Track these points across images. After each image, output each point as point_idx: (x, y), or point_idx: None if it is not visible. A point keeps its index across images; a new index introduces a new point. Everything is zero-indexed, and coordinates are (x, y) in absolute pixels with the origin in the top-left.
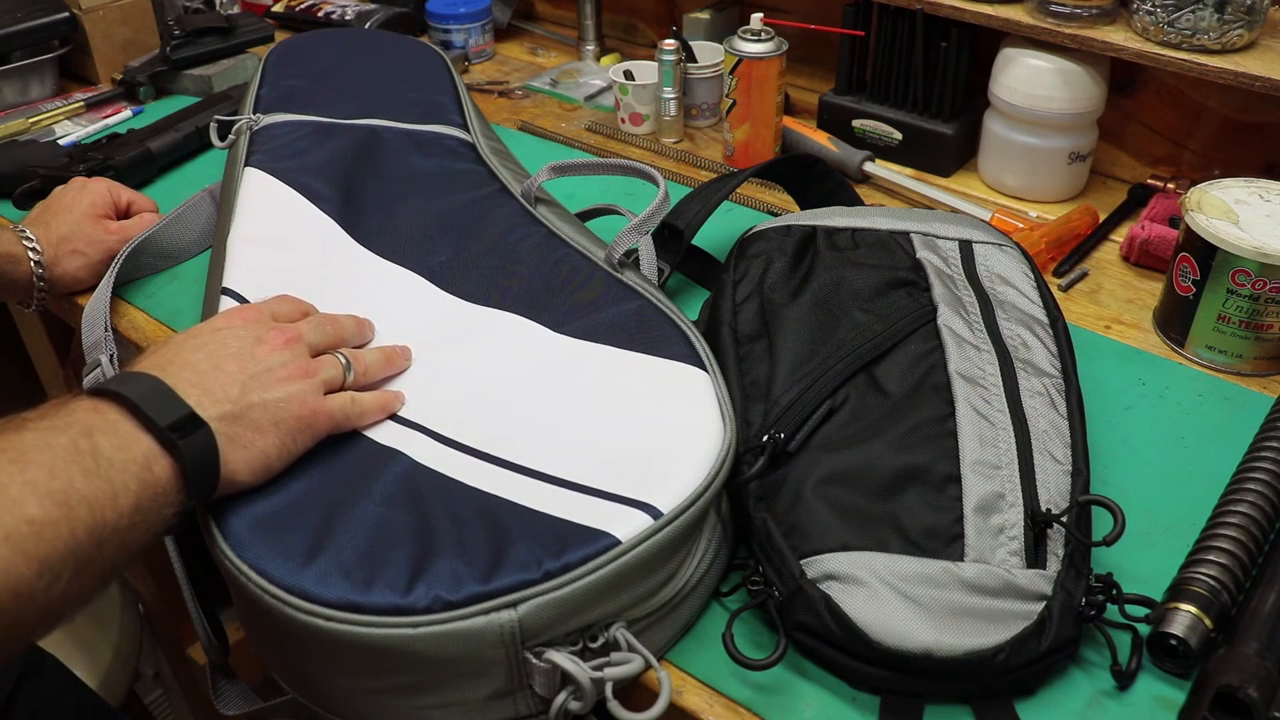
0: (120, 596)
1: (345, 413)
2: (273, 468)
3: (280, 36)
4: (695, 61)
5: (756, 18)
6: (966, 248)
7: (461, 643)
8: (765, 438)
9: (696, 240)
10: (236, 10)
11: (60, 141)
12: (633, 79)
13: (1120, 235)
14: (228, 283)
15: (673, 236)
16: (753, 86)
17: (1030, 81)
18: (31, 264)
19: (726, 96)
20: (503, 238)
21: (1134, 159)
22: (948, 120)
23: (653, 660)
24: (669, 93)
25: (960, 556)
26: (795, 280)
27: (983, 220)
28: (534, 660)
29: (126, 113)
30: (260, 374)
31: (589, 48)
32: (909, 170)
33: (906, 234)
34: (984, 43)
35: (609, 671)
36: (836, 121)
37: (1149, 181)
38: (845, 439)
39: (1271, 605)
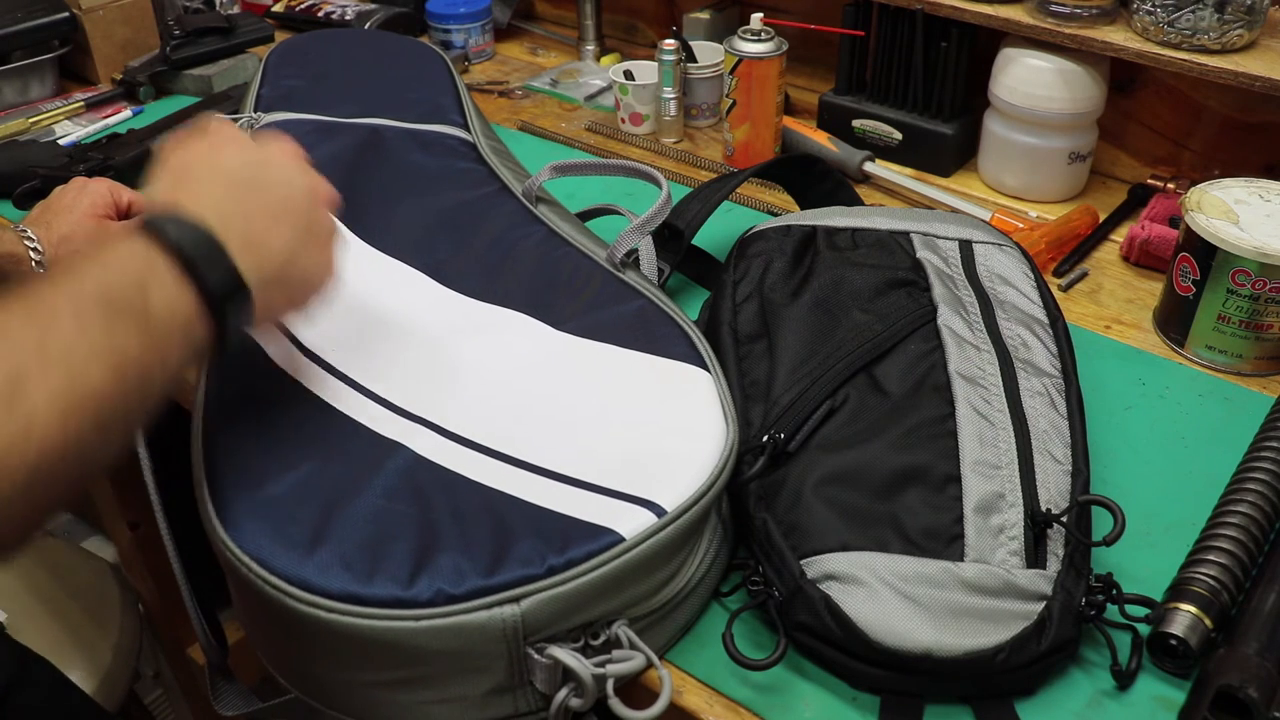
0: (120, 596)
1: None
2: (283, 316)
3: (280, 36)
4: (695, 61)
5: (756, 18)
6: (966, 248)
7: (463, 637)
8: (765, 438)
9: (696, 240)
10: (236, 10)
11: (60, 141)
12: (633, 79)
13: (1120, 235)
14: None
15: (673, 236)
16: (753, 86)
17: (1030, 81)
18: (33, 264)
19: (726, 96)
20: (503, 236)
21: (1134, 159)
22: (948, 120)
23: (654, 658)
24: (669, 93)
25: (960, 556)
26: (795, 280)
27: (983, 220)
28: (536, 656)
29: (126, 113)
30: (309, 236)
31: (589, 48)
32: (909, 170)
33: (906, 234)
34: (984, 43)
35: (611, 669)
36: (836, 121)
37: (1149, 181)
38: (845, 439)
39: (1271, 605)
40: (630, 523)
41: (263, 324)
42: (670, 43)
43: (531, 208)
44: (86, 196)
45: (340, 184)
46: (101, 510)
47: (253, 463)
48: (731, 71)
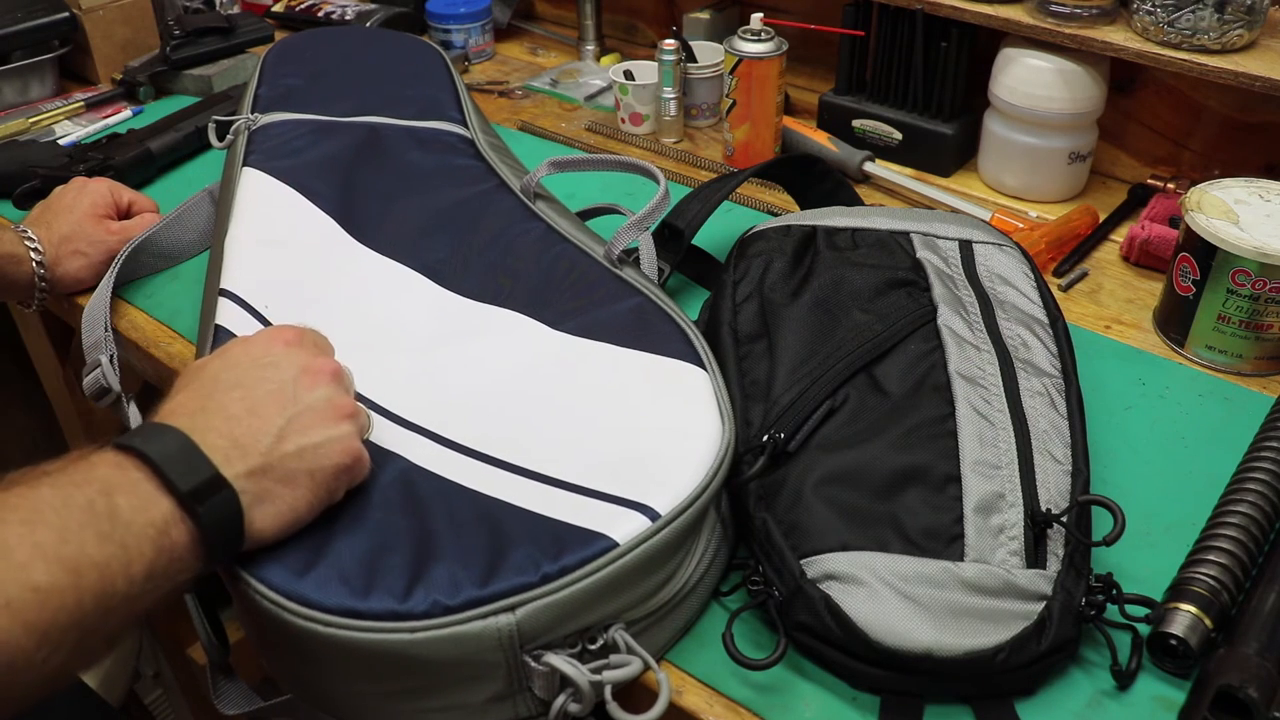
0: None
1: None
2: (302, 521)
3: (280, 36)
4: (695, 61)
5: (756, 18)
6: (966, 248)
7: (460, 647)
8: (765, 438)
9: (696, 240)
10: (236, 10)
11: (60, 141)
12: (633, 79)
13: (1120, 235)
14: (226, 284)
15: (673, 236)
16: (753, 86)
17: (1030, 81)
18: (33, 264)
19: (726, 96)
20: (502, 233)
21: (1134, 159)
22: (948, 120)
23: (651, 662)
24: (669, 93)
25: (960, 556)
26: (795, 280)
27: (983, 220)
28: (533, 663)
29: (126, 113)
30: (301, 413)
31: (589, 48)
32: (909, 170)
33: (906, 234)
34: (984, 43)
35: (607, 674)
36: (836, 121)
37: (1149, 181)
38: (845, 439)
39: (1271, 605)
40: (624, 527)
41: (277, 523)
42: (670, 43)
43: (530, 204)
44: (86, 196)
45: (338, 185)
46: None
47: None
48: (731, 71)
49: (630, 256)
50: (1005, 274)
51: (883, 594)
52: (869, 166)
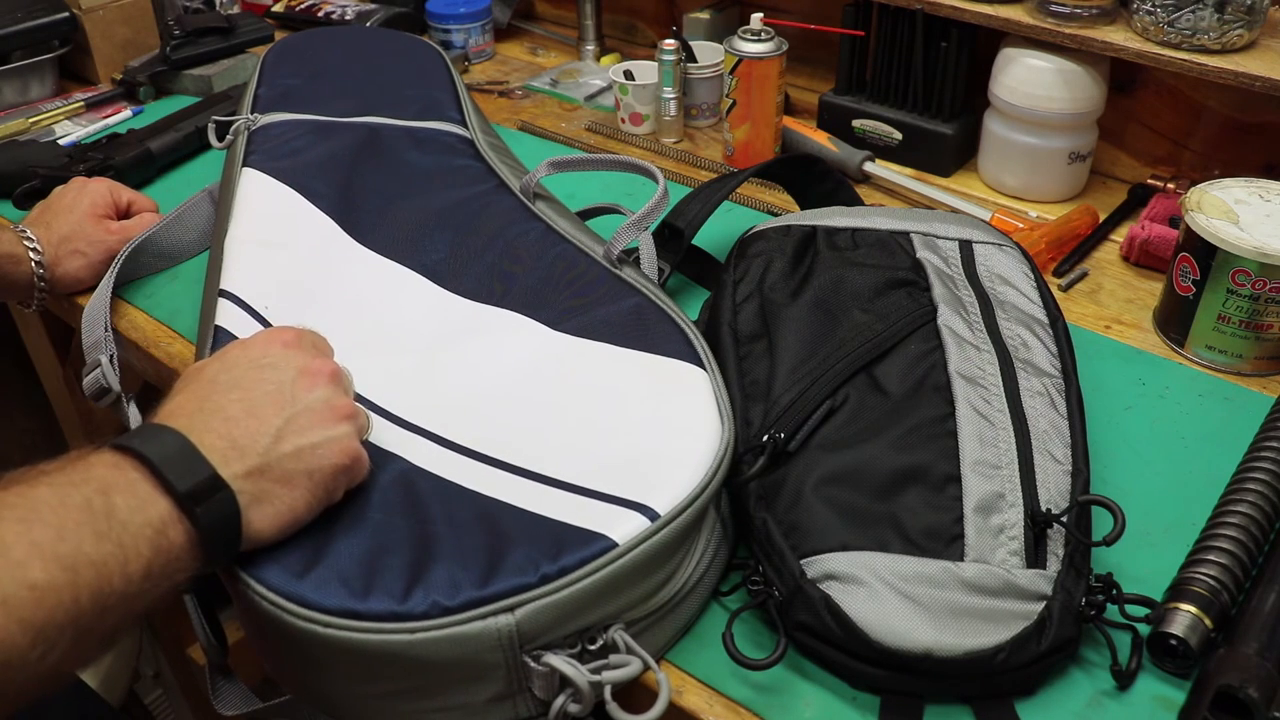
0: None
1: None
2: (301, 522)
3: (280, 36)
4: (695, 61)
5: (756, 18)
6: (966, 248)
7: (460, 647)
8: (765, 438)
9: (696, 240)
10: (236, 10)
11: (60, 141)
12: (633, 79)
13: (1120, 235)
14: (225, 285)
15: (673, 236)
16: (753, 86)
17: (1030, 81)
18: (32, 264)
19: (726, 96)
20: (501, 233)
21: (1134, 159)
22: (948, 120)
23: (651, 662)
24: (669, 93)
25: (960, 556)
26: (795, 280)
27: (983, 220)
28: (532, 664)
29: (126, 113)
30: (299, 414)
31: (589, 48)
32: (909, 170)
33: (906, 234)
34: (984, 43)
35: (607, 674)
36: (836, 121)
37: (1149, 181)
38: (845, 439)
39: (1271, 605)
40: (623, 527)
41: (275, 523)
42: (670, 43)
43: (529, 204)
44: (86, 196)
45: (338, 185)
46: None
47: None
48: (731, 71)
49: (630, 256)
50: (1005, 274)
51: (883, 594)
52: (869, 166)
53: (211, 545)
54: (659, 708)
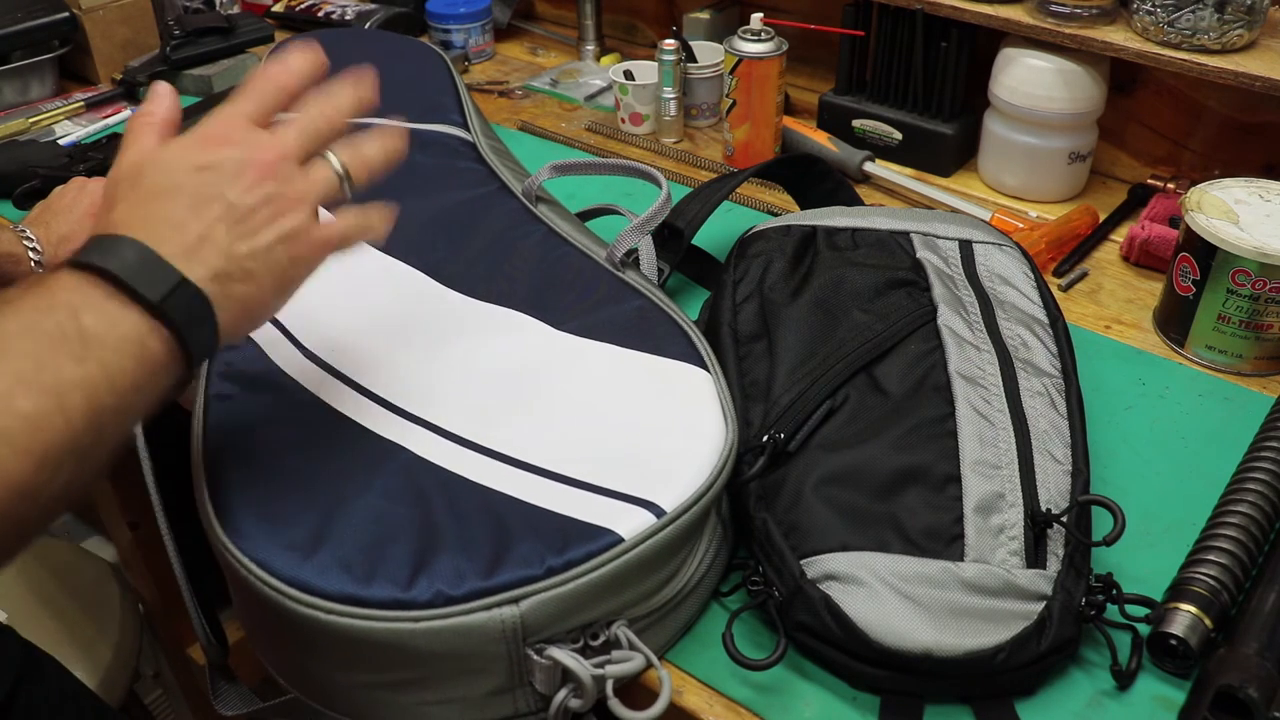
0: (120, 596)
1: (346, 236)
2: (270, 313)
3: (280, 36)
4: (695, 61)
5: (756, 18)
6: (966, 248)
7: (462, 638)
8: (765, 438)
9: (696, 240)
10: (236, 10)
11: (60, 141)
12: (633, 79)
13: (1120, 235)
14: None
15: (673, 236)
16: (753, 86)
17: (1030, 81)
18: (32, 264)
19: (726, 96)
20: (503, 235)
21: (1134, 159)
22: (948, 120)
23: (654, 659)
24: (669, 93)
25: (960, 556)
26: (795, 280)
27: (983, 220)
28: (535, 657)
29: (126, 113)
30: (245, 218)
31: (589, 48)
32: (909, 170)
33: (906, 234)
34: (984, 43)
35: (610, 669)
36: (836, 121)
37: (1149, 181)
38: (845, 439)
39: (1271, 605)
40: (629, 523)
41: (248, 318)
42: (670, 43)
43: (531, 207)
44: (86, 196)
45: None
46: (101, 510)
47: (252, 464)
48: (731, 71)
49: (631, 258)
50: (1005, 274)
51: (883, 594)
52: (869, 166)
53: (192, 348)
54: (661, 704)
